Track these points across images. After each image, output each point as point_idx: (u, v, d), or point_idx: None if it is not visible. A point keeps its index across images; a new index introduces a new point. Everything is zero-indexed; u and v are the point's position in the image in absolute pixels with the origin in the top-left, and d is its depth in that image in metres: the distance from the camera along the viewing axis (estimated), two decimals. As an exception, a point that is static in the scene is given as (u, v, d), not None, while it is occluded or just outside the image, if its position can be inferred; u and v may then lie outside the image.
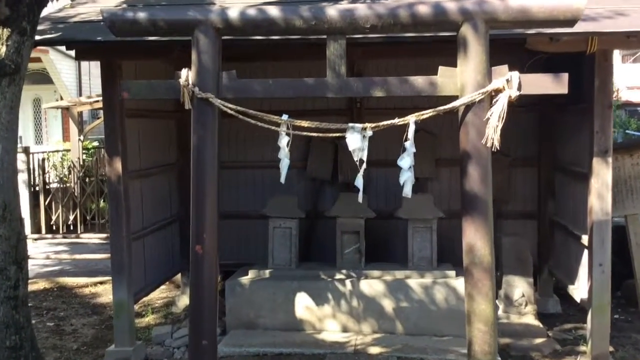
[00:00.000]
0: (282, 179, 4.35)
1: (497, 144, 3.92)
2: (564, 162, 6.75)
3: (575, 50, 5.18)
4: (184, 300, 7.59)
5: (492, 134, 3.92)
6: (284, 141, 4.26)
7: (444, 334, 6.22)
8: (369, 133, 4.16)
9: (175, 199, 7.47)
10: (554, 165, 7.08)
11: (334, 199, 7.20)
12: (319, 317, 6.39)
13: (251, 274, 6.64)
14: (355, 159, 4.26)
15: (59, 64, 15.04)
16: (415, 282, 6.33)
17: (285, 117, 4.23)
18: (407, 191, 4.29)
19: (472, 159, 3.99)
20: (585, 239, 5.73)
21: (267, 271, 6.65)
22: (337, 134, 4.35)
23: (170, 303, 7.87)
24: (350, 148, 4.21)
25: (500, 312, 6.48)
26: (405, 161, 4.21)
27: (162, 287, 7.88)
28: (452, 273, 6.42)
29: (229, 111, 4.13)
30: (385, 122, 4.14)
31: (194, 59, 4.11)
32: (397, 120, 4.10)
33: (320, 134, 4.35)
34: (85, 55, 5.88)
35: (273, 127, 4.30)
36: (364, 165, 4.17)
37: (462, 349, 5.78)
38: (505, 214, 7.30)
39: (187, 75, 4.10)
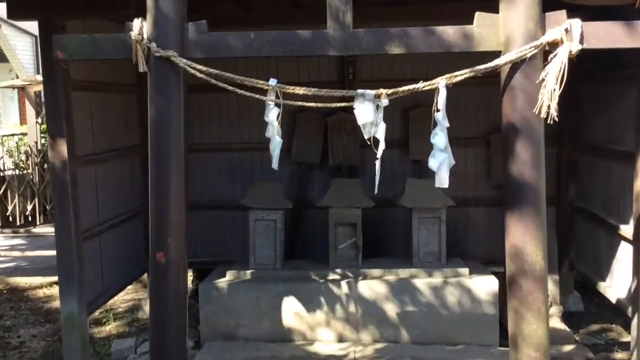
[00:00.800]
0: (275, 164, 3.37)
1: (554, 113, 2.97)
2: (592, 140, 5.84)
3: (622, 3, 4.25)
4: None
5: (548, 100, 2.96)
6: (272, 114, 3.25)
7: (457, 342, 5.31)
8: (384, 102, 3.18)
9: (138, 187, 6.41)
10: (578, 144, 6.18)
11: (325, 186, 6.22)
12: (311, 325, 5.43)
13: (229, 275, 5.64)
14: (366, 136, 3.29)
15: (14, 39, 13.75)
16: (422, 283, 5.40)
17: (273, 81, 3.21)
18: (443, 179, 3.32)
19: (521, 134, 3.04)
20: (625, 230, 4.85)
21: (248, 272, 5.66)
22: (340, 105, 3.36)
23: (136, 307, 6.85)
24: (360, 122, 3.23)
25: (520, 314, 5.58)
26: (440, 138, 3.23)
27: (128, 287, 6.84)
28: (465, 271, 5.50)
29: (198, 74, 3.10)
30: (405, 88, 3.15)
31: (149, 5, 3.07)
32: (421, 85, 3.14)
33: (315, 105, 3.35)
34: (20, 13, 4.76)
35: (257, 97, 3.28)
36: (382, 146, 3.17)
37: (484, 362, 4.91)
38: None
39: (140, 27, 3.06)
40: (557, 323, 5.51)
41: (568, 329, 5.51)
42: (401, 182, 6.41)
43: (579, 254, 6.16)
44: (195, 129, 6.60)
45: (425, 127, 6.33)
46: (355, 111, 3.22)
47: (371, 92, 3.16)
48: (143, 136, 6.43)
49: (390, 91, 3.15)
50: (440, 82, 3.10)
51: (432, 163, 3.43)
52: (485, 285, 5.35)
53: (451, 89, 3.26)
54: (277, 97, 3.25)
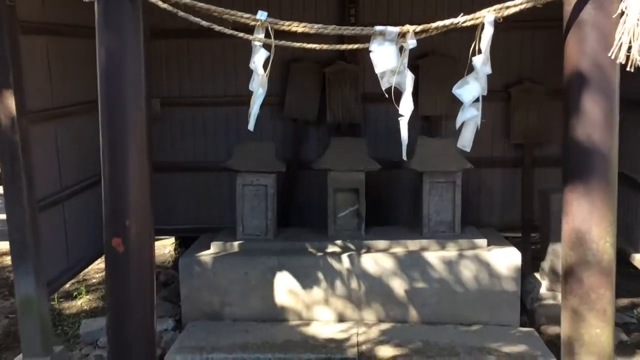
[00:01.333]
0: (251, 124, 2.65)
1: (638, 58, 2.23)
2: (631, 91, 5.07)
3: None
4: (129, 277, 5.89)
5: (630, 40, 2.21)
6: (259, 58, 2.49)
7: (471, 322, 4.70)
8: (411, 43, 2.42)
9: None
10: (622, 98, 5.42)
11: (322, 146, 5.49)
12: (307, 303, 4.78)
13: (214, 247, 4.95)
14: (384, 87, 2.55)
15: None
16: (434, 256, 4.74)
17: (262, 15, 2.44)
18: (467, 140, 2.65)
19: (590, 84, 2.31)
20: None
21: (236, 243, 4.97)
22: (352, 46, 2.61)
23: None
24: (378, 69, 2.50)
25: (543, 289, 4.97)
26: (469, 89, 2.51)
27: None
28: (482, 242, 4.84)
29: (161, 4, 2.32)
30: (440, 23, 2.39)
31: None
32: (461, 19, 2.37)
33: (319, 46, 2.59)
34: None
35: (241, 36, 2.51)
36: (409, 102, 2.46)
37: (502, 345, 4.29)
38: (540, 161, 5.69)
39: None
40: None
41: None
42: (409, 142, 5.70)
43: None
44: (172, 82, 5.80)
45: (437, 78, 5.61)
46: (372, 55, 2.48)
47: (394, 30, 2.40)
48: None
49: (419, 28, 2.40)
50: (487, 17, 2.35)
51: (458, 119, 2.73)
52: (505, 259, 4.70)
53: (464, 33, 2.54)
54: (267, 36, 2.48)
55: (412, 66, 5.62)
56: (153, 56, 5.73)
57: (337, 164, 4.96)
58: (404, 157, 2.79)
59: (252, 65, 2.53)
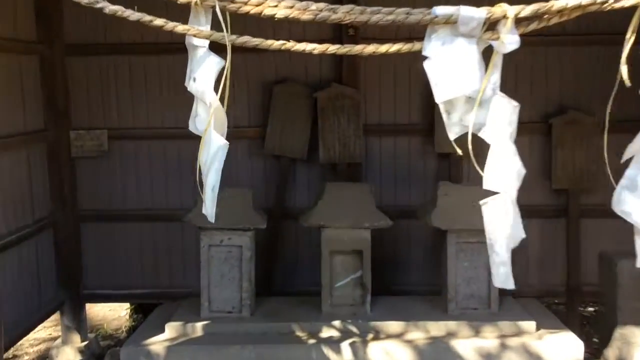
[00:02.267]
0: (210, 214, 1.43)
1: None
2: None
3: None
4: (65, 356, 4.60)
5: None
6: (205, 72, 1.26)
7: None
8: (511, 41, 1.20)
9: (43, 190, 4.39)
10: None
11: (314, 192, 4.28)
12: (295, 411, 3.52)
13: (170, 330, 3.69)
14: (453, 134, 1.34)
15: None
16: (467, 346, 3.51)
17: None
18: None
19: None
20: None
21: (199, 325, 3.71)
22: (362, 50, 1.41)
23: (43, 358, 4.88)
24: (441, 95, 1.25)
25: (608, 387, 3.74)
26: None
27: (51, 318, 4.87)
28: (530, 325, 3.64)
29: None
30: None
31: None
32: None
33: (310, 49, 1.38)
34: None
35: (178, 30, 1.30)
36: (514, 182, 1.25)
37: None
38: (589, 211, 4.49)
39: None
40: None
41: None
42: (422, 186, 4.51)
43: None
44: (126, 107, 4.58)
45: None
46: (428, 65, 1.27)
47: (478, 14, 1.19)
48: (49, 117, 4.42)
49: (527, 10, 1.18)
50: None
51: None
52: (562, 351, 3.48)
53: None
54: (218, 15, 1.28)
55: (425, 92, 4.57)
56: (96, 77, 4.53)
57: (335, 218, 3.74)
58: (502, 284, 1.53)
59: (191, 85, 1.33)
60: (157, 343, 3.59)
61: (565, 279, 4.55)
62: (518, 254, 3.89)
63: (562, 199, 4.54)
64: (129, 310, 5.50)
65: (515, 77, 4.45)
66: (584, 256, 4.46)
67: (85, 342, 4.67)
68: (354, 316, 3.73)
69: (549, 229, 4.56)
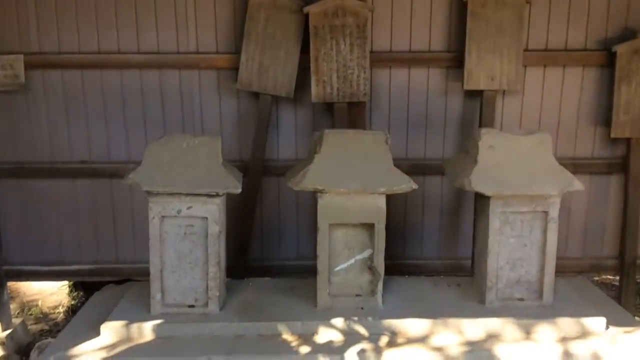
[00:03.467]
0: None
1: None
2: None
3: None
4: (-17, 351, 3.56)
5: None
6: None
7: None
8: None
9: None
10: None
11: (304, 140, 3.22)
12: None
13: (109, 333, 2.67)
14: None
15: None
16: (515, 352, 2.57)
17: None
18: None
19: None
20: None
21: (148, 325, 2.69)
22: None
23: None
24: None
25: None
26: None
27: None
28: (599, 322, 2.70)
29: None
30: None
31: None
32: None
33: None
34: None
35: None
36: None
37: None
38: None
39: None
40: None
41: None
42: (441, 133, 3.51)
43: None
44: (50, 25, 3.39)
45: (494, 27, 3.29)
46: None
47: None
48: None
49: None
50: None
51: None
52: (645, 358, 2.57)
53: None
54: None
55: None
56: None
57: (337, 179, 2.70)
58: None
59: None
60: (90, 353, 2.57)
61: (618, 251, 3.63)
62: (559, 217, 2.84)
63: (619, 150, 3.55)
64: (67, 286, 4.44)
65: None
66: (647, 224, 3.54)
67: (8, 332, 3.63)
68: (360, 311, 2.75)
69: (601, 188, 3.60)
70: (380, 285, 2.79)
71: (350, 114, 3.36)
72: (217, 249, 2.74)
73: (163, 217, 2.71)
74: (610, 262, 3.67)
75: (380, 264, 2.76)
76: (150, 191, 2.65)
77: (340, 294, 2.82)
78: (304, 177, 2.68)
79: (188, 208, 2.69)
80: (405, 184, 2.66)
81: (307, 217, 3.52)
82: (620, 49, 3.34)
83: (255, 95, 3.38)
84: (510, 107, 3.51)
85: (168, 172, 2.68)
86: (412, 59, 3.42)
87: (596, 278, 4.18)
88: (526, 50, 3.40)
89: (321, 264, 2.77)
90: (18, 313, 4.17)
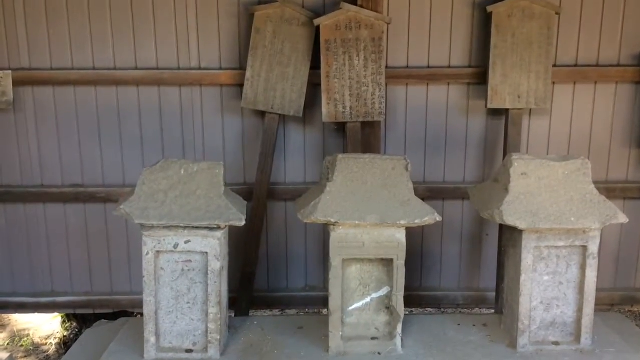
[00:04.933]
0: None
1: None
2: None
3: None
4: (-33, 388, 3.28)
5: None
6: None
7: None
8: None
9: None
10: None
11: (314, 163, 2.96)
12: None
13: (97, 381, 2.40)
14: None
15: None
16: (551, 405, 2.29)
17: None
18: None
19: None
20: None
21: (143, 373, 2.43)
22: None
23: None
24: None
25: None
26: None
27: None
28: (645, 372, 2.41)
29: None
30: None
31: None
32: None
33: None
34: None
35: None
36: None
37: None
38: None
39: None
40: None
41: None
42: (462, 155, 3.25)
43: None
44: (22, 40, 3.14)
45: (522, 42, 2.95)
46: None
47: None
48: None
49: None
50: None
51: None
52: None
53: None
54: None
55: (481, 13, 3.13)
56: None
57: (352, 211, 2.42)
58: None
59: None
60: (76, 405, 2.30)
61: (646, 279, 3.35)
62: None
63: (656, 173, 3.28)
64: (60, 316, 4.17)
65: (603, 3, 3.14)
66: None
67: (-6, 369, 3.37)
68: (378, 357, 2.47)
69: (633, 214, 3.31)
70: (399, 327, 2.51)
71: (364, 134, 3.09)
72: (218, 287, 2.47)
73: (158, 252, 2.44)
74: (644, 294, 3.39)
75: (399, 303, 2.49)
76: (144, 224, 2.38)
77: (355, 336, 2.54)
78: (315, 209, 2.41)
79: (186, 242, 2.43)
80: (429, 216, 2.38)
81: (316, 244, 3.26)
82: (659, 64, 3.07)
83: (261, 114, 3.11)
84: (537, 127, 3.24)
85: (164, 202, 2.41)
86: (430, 75, 3.15)
87: (628, 309, 3.89)
88: (555, 65, 3.14)
89: (333, 304, 2.49)
90: (8, 344, 3.91)
